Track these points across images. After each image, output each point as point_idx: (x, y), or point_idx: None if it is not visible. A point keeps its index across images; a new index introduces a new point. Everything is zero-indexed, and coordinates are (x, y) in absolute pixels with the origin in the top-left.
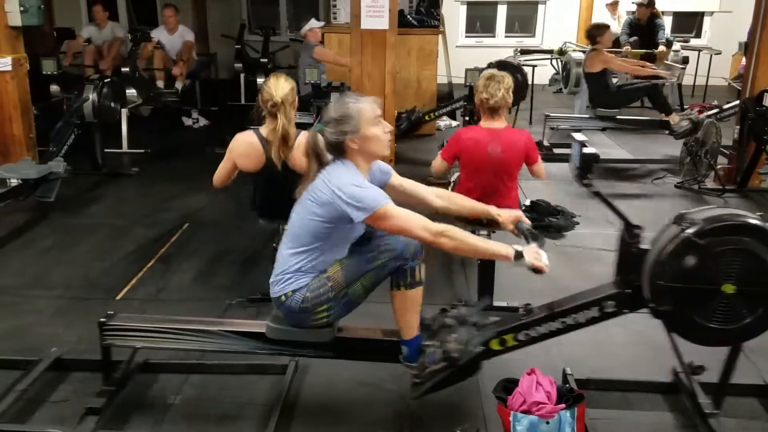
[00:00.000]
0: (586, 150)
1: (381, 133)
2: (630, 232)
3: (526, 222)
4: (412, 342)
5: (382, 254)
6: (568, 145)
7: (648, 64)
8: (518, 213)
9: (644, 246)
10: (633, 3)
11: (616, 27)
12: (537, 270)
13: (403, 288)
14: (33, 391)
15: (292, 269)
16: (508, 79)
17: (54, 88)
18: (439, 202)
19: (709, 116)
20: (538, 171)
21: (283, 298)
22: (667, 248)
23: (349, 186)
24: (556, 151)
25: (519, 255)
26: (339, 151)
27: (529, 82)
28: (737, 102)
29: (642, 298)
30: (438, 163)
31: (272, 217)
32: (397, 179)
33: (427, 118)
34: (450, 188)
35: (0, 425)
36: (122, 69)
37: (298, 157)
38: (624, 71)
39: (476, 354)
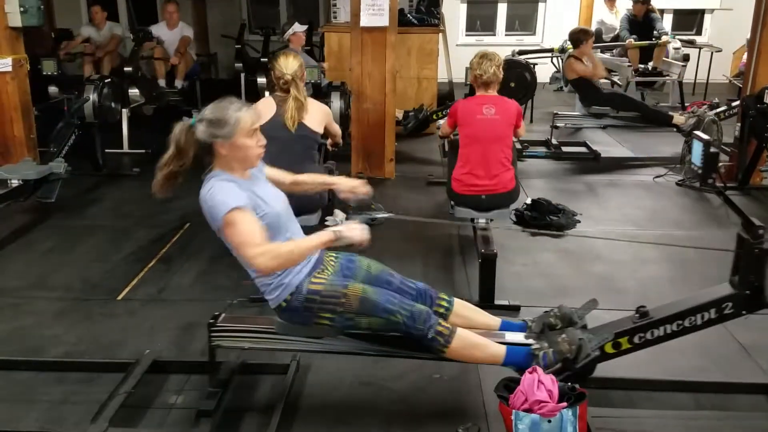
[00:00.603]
0: (712, 150)
1: (254, 145)
2: (753, 232)
3: (363, 191)
4: (509, 360)
5: (399, 313)
6: (575, 144)
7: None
8: (356, 181)
9: (767, 247)
10: None
11: (615, 22)
12: (357, 244)
13: (445, 349)
14: (136, 395)
15: (270, 280)
16: (498, 57)
17: (52, 89)
18: (295, 187)
19: (716, 113)
20: (520, 132)
21: (283, 303)
22: None
23: (206, 197)
24: (565, 149)
25: (339, 235)
26: (207, 150)
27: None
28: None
29: (762, 299)
30: (444, 127)
31: None
32: (268, 171)
33: (434, 117)
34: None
35: (112, 429)
36: (125, 68)
37: (310, 117)
38: (597, 76)
39: (593, 358)
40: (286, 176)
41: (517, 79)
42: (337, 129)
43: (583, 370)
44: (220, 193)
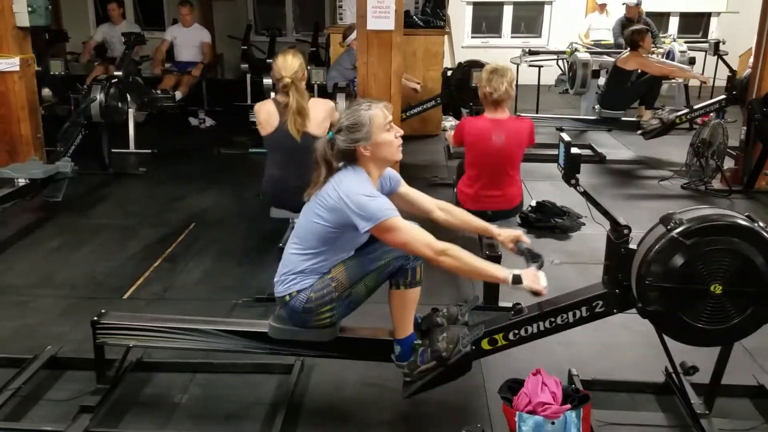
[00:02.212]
0: (573, 150)
1: (393, 138)
2: (617, 232)
3: (526, 241)
4: (406, 341)
5: (385, 254)
6: (580, 146)
7: (683, 67)
8: (518, 232)
9: (632, 246)
10: (623, 4)
11: (605, 23)
12: (536, 293)
13: (403, 287)
14: (27, 389)
15: (297, 270)
16: (510, 73)
17: (46, 92)
18: (441, 214)
19: (679, 117)
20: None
21: (287, 297)
22: (654, 248)
23: (357, 195)
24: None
25: (517, 279)
26: (351, 158)
27: (532, 82)
28: (713, 100)
29: (631, 298)
30: (450, 140)
31: (283, 201)
32: (404, 188)
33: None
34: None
35: None
36: (114, 73)
37: (313, 123)
38: (662, 74)
39: (466, 353)
40: (430, 202)
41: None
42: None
43: (457, 366)
44: (375, 194)
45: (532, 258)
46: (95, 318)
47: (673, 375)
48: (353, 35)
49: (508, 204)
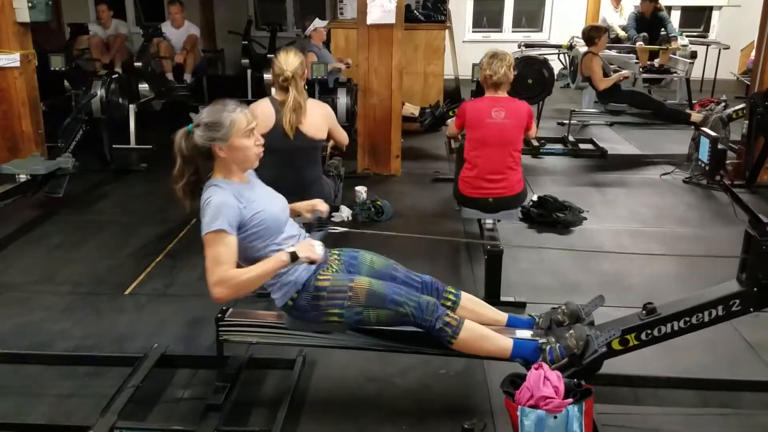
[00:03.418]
0: (719, 146)
1: (251, 145)
2: (760, 229)
3: (322, 209)
4: (516, 353)
5: (406, 304)
6: (582, 141)
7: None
8: (315, 201)
9: None
10: None
11: (619, 21)
12: (312, 262)
13: (453, 340)
14: (144, 389)
15: (272, 281)
16: (509, 57)
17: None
18: None
19: (735, 111)
20: (531, 134)
21: (290, 303)
22: None
23: (203, 204)
24: (582, 146)
25: (294, 256)
26: (206, 155)
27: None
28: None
29: None
30: (451, 128)
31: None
32: None
33: (450, 113)
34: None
35: (123, 423)
36: (135, 64)
37: (309, 124)
38: (599, 87)
39: (601, 353)
40: None
41: (534, 76)
42: (342, 135)
43: (589, 366)
44: (211, 208)
45: (318, 226)
46: (219, 315)
47: None
48: (312, 26)
49: (509, 190)
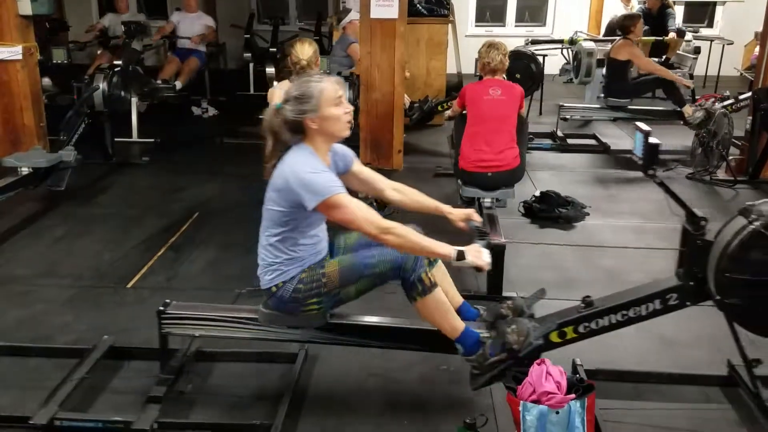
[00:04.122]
0: (651, 140)
1: (341, 113)
2: (695, 224)
3: (477, 219)
4: (465, 337)
5: (381, 263)
6: (582, 136)
7: (669, 72)
8: (469, 211)
9: (709, 238)
10: None
11: None
12: (478, 269)
13: (418, 297)
14: (90, 380)
15: (273, 261)
16: (504, 46)
17: (46, 81)
18: (394, 195)
19: (724, 106)
20: (521, 112)
21: (273, 288)
22: (734, 241)
23: (303, 172)
24: (570, 141)
25: (461, 255)
26: (298, 130)
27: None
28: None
29: (706, 290)
30: (453, 107)
31: None
32: (358, 166)
33: (440, 108)
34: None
35: (63, 413)
36: (114, 62)
37: None
38: (648, 70)
39: (537, 346)
40: (384, 182)
41: (523, 71)
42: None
43: (526, 358)
44: (320, 171)
45: (479, 235)
46: (161, 308)
47: (737, 367)
48: (347, 18)
49: (506, 165)
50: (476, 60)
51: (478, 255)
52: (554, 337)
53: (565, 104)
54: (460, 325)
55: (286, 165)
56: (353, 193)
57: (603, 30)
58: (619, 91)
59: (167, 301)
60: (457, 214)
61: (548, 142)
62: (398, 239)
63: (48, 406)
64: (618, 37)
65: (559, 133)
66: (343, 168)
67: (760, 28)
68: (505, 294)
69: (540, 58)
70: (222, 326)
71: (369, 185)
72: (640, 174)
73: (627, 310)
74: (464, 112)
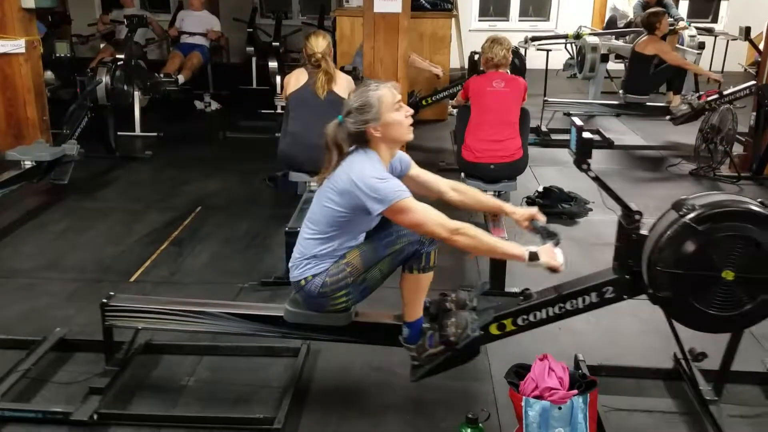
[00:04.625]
0: (584, 135)
1: (402, 117)
2: (628, 217)
3: (541, 219)
4: (414, 324)
5: (400, 239)
6: (588, 131)
7: (698, 67)
8: (533, 210)
9: (643, 232)
10: None
11: (628, 9)
12: (553, 270)
13: (417, 272)
14: (36, 371)
15: (310, 254)
16: (508, 42)
17: (48, 75)
18: (454, 195)
19: (709, 102)
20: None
21: (302, 282)
22: (665, 234)
23: (369, 177)
24: (554, 137)
25: (534, 256)
26: (361, 140)
27: (540, 66)
28: (741, 86)
29: (641, 284)
30: (457, 97)
31: (301, 162)
32: (416, 170)
33: (424, 102)
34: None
35: (3, 404)
36: (117, 56)
37: (338, 85)
38: (677, 65)
39: (474, 338)
40: (443, 183)
41: None
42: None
43: (465, 351)
44: (387, 176)
45: (548, 235)
46: (104, 300)
47: (682, 361)
48: None
49: (509, 156)
50: (471, 53)
51: (553, 256)
52: (493, 330)
53: (550, 99)
54: (417, 313)
55: (352, 169)
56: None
57: (604, 25)
58: (640, 88)
59: (111, 293)
60: (522, 214)
61: (532, 137)
62: (469, 240)
63: None
64: (643, 35)
65: (543, 128)
66: (400, 172)
67: (764, 24)
68: (507, 290)
69: (539, 54)
70: (168, 319)
71: (428, 187)
72: (642, 169)
73: (564, 303)
74: (467, 104)
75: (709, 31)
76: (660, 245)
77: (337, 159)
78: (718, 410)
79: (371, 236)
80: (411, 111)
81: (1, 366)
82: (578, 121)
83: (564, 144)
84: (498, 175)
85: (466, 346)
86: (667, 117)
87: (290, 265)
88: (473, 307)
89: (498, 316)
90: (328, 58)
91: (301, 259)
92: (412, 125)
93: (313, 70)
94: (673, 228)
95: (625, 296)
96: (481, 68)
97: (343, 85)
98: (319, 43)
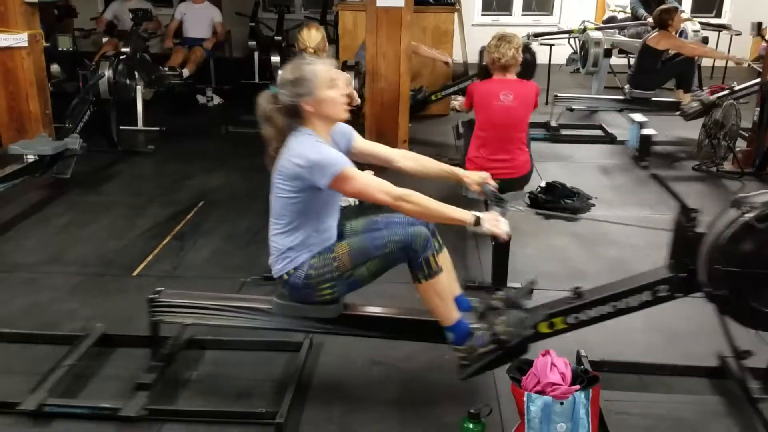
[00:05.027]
0: (645, 131)
1: (337, 96)
2: (686, 215)
3: (492, 184)
4: (457, 327)
5: (390, 243)
6: (591, 126)
7: (717, 51)
8: (485, 174)
9: (701, 230)
10: None
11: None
12: (495, 237)
13: (423, 280)
14: (81, 367)
15: (286, 248)
16: (517, 39)
17: (55, 68)
18: (406, 162)
19: (719, 98)
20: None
21: (285, 276)
22: (725, 232)
23: (308, 154)
24: (573, 132)
25: (478, 221)
26: (295, 114)
27: (543, 61)
28: (750, 83)
29: (697, 282)
30: (462, 105)
31: None
32: (360, 142)
33: (433, 97)
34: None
35: (51, 400)
36: (122, 49)
37: None
38: (697, 54)
39: (526, 337)
40: (392, 151)
41: None
42: (352, 92)
43: (515, 349)
44: (326, 149)
45: (496, 201)
46: (152, 296)
47: (729, 359)
48: None
49: (516, 171)
50: (482, 48)
51: (496, 223)
52: (543, 328)
53: (559, 95)
54: (455, 314)
55: (292, 151)
56: (362, 167)
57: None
58: (647, 83)
59: (159, 288)
60: (473, 178)
61: (542, 132)
62: (413, 206)
63: (37, 392)
64: (654, 30)
65: (553, 123)
66: (345, 146)
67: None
68: (510, 285)
69: (543, 48)
70: (215, 315)
71: (377, 157)
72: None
73: (617, 302)
74: (470, 112)
75: (723, 27)
76: (719, 243)
77: (271, 132)
78: (766, 408)
79: (361, 233)
80: (347, 91)
81: (44, 362)
82: (639, 118)
83: (572, 140)
84: (505, 187)
85: (517, 344)
86: (678, 113)
87: (270, 261)
88: (522, 305)
89: (550, 314)
90: (320, 53)
91: (278, 256)
92: (354, 107)
93: None
94: (732, 226)
95: (678, 295)
96: (484, 62)
97: None
98: (312, 37)
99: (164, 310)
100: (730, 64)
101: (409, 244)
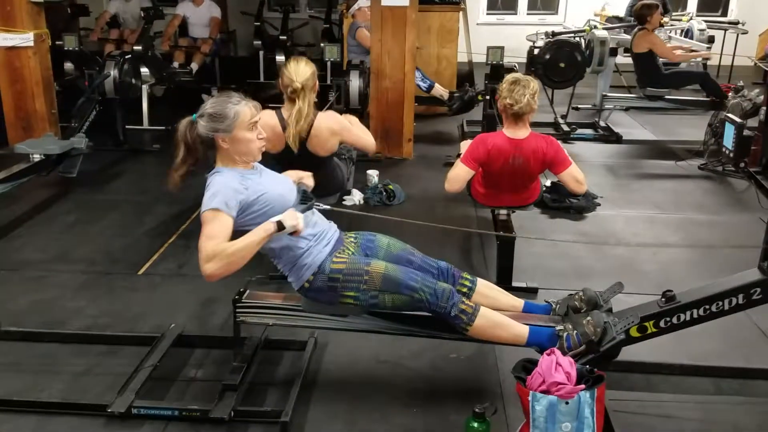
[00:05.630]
0: (745, 133)
1: (254, 138)
2: None
3: (309, 184)
4: (535, 337)
5: (422, 290)
6: (588, 125)
7: (688, 55)
8: (303, 173)
9: None
10: None
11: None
12: (294, 232)
13: (468, 327)
14: (162, 369)
15: (296, 260)
16: (533, 84)
17: (69, 66)
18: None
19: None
20: (567, 179)
21: (306, 284)
22: None
23: (206, 188)
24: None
25: (281, 225)
26: (209, 145)
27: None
28: None
29: None
30: (459, 169)
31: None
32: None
33: (479, 98)
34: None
35: (139, 401)
36: (134, 47)
37: (315, 138)
38: (667, 57)
39: (619, 341)
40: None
41: (566, 60)
42: (363, 141)
43: (607, 353)
44: (210, 190)
45: (302, 200)
46: (236, 297)
47: None
48: (357, 4)
49: (524, 202)
50: (488, 48)
51: (294, 219)
52: (634, 332)
53: (608, 95)
54: (522, 330)
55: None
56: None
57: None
58: (652, 82)
59: (241, 290)
60: (290, 176)
61: (590, 132)
62: (219, 263)
63: (124, 394)
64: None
65: (602, 123)
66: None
67: None
68: (515, 284)
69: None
70: (294, 316)
71: None
72: (651, 164)
73: (710, 305)
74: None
75: (734, 23)
76: None
77: (183, 157)
78: None
79: (397, 262)
80: (264, 134)
81: (117, 362)
82: (737, 118)
83: (582, 139)
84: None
85: (610, 348)
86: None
87: (283, 273)
88: (609, 308)
89: (643, 317)
90: (308, 92)
91: (290, 270)
92: (262, 148)
93: (288, 110)
94: None
95: None
96: (490, 61)
97: (322, 134)
98: (300, 72)
99: (247, 311)
100: (737, 62)
101: (437, 297)
